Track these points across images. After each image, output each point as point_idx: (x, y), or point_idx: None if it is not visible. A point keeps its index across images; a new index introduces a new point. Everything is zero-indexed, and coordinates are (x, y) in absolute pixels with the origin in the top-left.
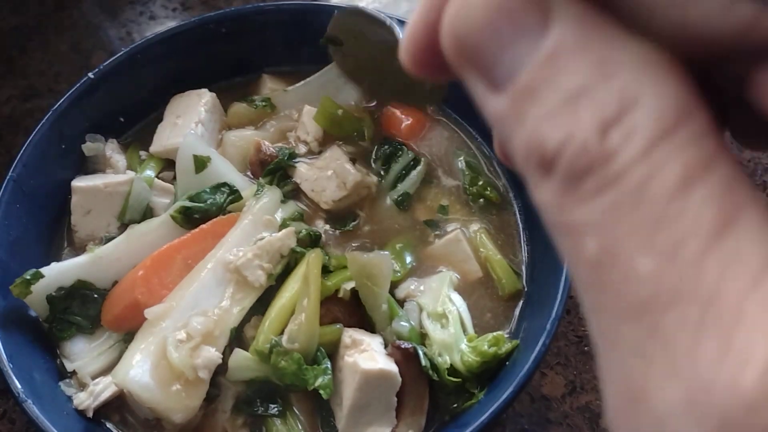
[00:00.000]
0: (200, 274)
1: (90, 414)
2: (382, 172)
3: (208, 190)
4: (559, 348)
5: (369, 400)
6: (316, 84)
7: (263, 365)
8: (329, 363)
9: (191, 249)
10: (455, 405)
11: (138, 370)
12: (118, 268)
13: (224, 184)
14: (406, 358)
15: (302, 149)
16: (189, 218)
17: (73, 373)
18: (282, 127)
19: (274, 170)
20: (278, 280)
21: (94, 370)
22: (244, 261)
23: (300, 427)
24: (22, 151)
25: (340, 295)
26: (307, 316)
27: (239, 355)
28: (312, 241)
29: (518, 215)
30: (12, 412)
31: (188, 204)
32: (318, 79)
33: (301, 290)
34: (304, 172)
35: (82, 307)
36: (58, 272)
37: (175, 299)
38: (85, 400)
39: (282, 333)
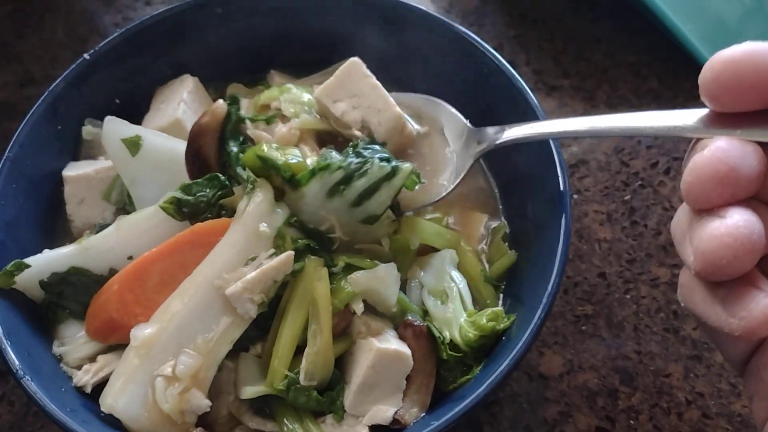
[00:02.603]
0: (188, 295)
1: (88, 390)
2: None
3: (200, 181)
4: (556, 327)
5: (379, 379)
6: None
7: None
8: (342, 383)
9: (167, 262)
10: (453, 380)
11: (127, 400)
12: (111, 257)
13: (216, 176)
14: (417, 336)
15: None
16: (180, 210)
17: (61, 357)
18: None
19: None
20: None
21: (82, 356)
22: (233, 291)
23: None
24: (18, 131)
25: (353, 311)
26: (323, 352)
27: (250, 391)
28: (309, 250)
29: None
30: (11, 394)
31: (179, 195)
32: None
33: (310, 323)
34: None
35: (74, 293)
36: (49, 260)
37: (162, 321)
38: (83, 376)
39: (292, 362)
